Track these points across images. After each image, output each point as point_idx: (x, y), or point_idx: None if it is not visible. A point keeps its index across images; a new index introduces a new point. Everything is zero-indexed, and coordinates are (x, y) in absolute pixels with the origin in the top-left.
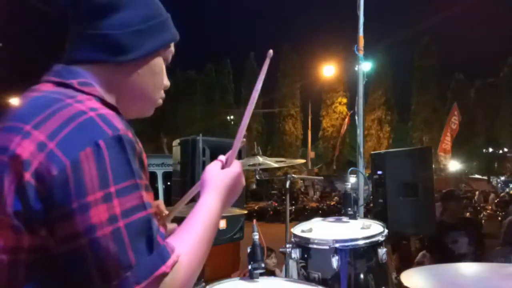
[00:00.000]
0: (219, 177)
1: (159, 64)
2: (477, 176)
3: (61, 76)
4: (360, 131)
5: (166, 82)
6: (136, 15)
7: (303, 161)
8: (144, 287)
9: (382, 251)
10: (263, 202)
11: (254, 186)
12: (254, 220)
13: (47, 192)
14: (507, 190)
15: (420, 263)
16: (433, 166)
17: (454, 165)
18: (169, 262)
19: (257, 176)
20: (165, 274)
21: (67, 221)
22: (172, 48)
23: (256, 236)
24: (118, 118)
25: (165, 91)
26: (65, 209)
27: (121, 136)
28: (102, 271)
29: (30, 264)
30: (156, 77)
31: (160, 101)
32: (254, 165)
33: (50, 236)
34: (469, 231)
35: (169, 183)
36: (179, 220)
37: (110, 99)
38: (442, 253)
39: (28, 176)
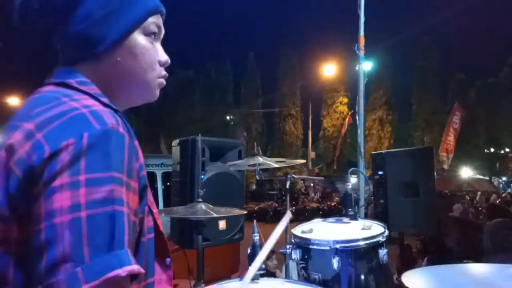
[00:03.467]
0: None
1: (140, 43)
2: (478, 176)
3: (61, 77)
4: (360, 131)
5: (162, 57)
6: (95, 3)
7: (303, 161)
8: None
9: (383, 252)
10: (263, 203)
11: (254, 187)
12: (255, 221)
13: (23, 178)
14: (509, 190)
15: None
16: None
17: (456, 166)
18: (128, 267)
19: (257, 177)
20: (119, 279)
21: (34, 206)
22: (153, 19)
23: (256, 237)
24: (111, 114)
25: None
26: (35, 193)
27: (109, 130)
28: (51, 261)
29: (18, 256)
30: (140, 58)
31: (161, 80)
32: (254, 165)
33: (18, 224)
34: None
35: (168, 184)
36: (178, 220)
37: (108, 93)
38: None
39: (12, 164)
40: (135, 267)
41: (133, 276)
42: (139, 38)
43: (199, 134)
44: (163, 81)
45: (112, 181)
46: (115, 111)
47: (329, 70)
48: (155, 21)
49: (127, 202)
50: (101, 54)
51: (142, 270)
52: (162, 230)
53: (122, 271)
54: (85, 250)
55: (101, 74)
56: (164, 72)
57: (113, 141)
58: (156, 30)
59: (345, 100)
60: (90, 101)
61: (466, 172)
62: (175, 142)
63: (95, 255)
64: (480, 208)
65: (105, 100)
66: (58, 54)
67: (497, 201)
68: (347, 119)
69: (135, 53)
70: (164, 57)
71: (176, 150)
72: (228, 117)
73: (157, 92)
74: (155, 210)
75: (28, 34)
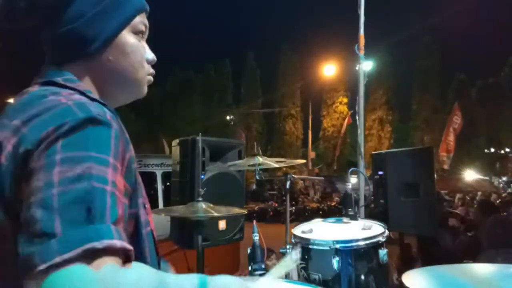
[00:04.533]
0: None
1: (129, 42)
2: (478, 176)
3: (48, 76)
4: (361, 131)
5: (149, 55)
6: (85, 2)
7: (303, 161)
8: (68, 260)
9: (383, 252)
10: (263, 203)
11: (254, 187)
12: (254, 221)
13: (14, 171)
14: (509, 190)
15: None
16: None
17: (456, 166)
18: (108, 241)
19: (257, 177)
20: (97, 252)
21: (17, 192)
22: (140, 18)
23: (256, 237)
24: (98, 106)
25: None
26: (18, 181)
27: (92, 116)
28: (26, 237)
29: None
30: (130, 56)
31: (150, 78)
32: (254, 165)
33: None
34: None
35: (168, 184)
36: (178, 220)
37: (99, 92)
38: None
39: (3, 159)
40: (117, 242)
41: (128, 258)
42: (128, 37)
43: (199, 134)
44: (151, 78)
45: (89, 159)
46: (103, 105)
47: (329, 70)
48: (142, 20)
49: (113, 182)
50: (93, 53)
51: (128, 247)
52: (153, 227)
53: (99, 244)
54: (57, 224)
55: (92, 73)
56: (151, 70)
57: (97, 125)
58: (143, 28)
59: (345, 100)
60: (77, 96)
61: (466, 173)
62: (175, 142)
63: (70, 228)
64: None
65: (92, 95)
66: (45, 54)
67: (497, 201)
68: (346, 119)
69: (125, 51)
70: (151, 55)
71: (176, 150)
72: (228, 117)
73: (146, 89)
74: (148, 205)
75: (14, 33)
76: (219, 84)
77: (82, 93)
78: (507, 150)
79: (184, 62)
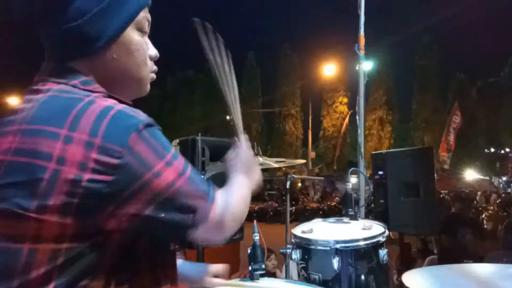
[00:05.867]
0: (233, 161)
1: (133, 39)
2: (479, 176)
3: (60, 76)
4: (361, 131)
5: (152, 52)
6: None
7: (303, 161)
8: (215, 208)
9: (383, 252)
10: (263, 203)
11: None
12: (255, 221)
13: (113, 179)
14: (509, 190)
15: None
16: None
17: (456, 165)
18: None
19: None
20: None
21: (145, 191)
22: (144, 13)
23: (256, 237)
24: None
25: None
26: (139, 182)
27: (150, 120)
28: (189, 209)
29: (70, 250)
30: (135, 54)
31: (153, 75)
32: None
33: (109, 217)
34: None
35: None
36: None
37: (107, 90)
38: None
39: (88, 175)
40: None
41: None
42: (133, 34)
43: (199, 134)
44: (153, 75)
45: (177, 155)
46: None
47: (329, 70)
48: (145, 15)
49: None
50: (97, 51)
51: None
52: None
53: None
54: (204, 189)
55: (96, 72)
56: (154, 67)
57: (157, 128)
58: (146, 24)
59: (345, 100)
60: (110, 100)
61: (466, 173)
62: (174, 142)
63: (210, 191)
64: (480, 208)
65: (116, 97)
66: (46, 50)
67: (498, 201)
68: (346, 119)
69: (130, 49)
70: (154, 51)
71: (176, 150)
72: (228, 117)
73: (149, 87)
74: None
75: (11, 29)
76: (219, 84)
77: (106, 94)
78: (507, 150)
79: (184, 62)
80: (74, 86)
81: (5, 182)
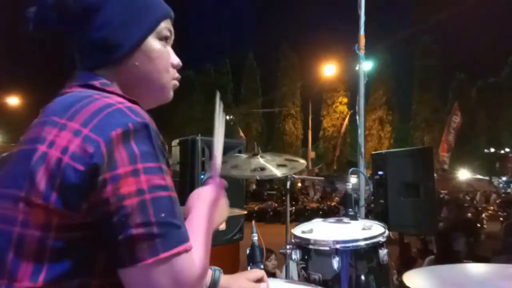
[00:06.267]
0: (198, 193)
1: (155, 48)
2: (478, 176)
3: (83, 80)
4: (361, 131)
5: (174, 60)
6: (114, 9)
7: (303, 162)
8: (170, 256)
9: (383, 252)
10: (263, 203)
11: (254, 187)
12: (253, 221)
13: (85, 169)
14: (509, 190)
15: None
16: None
17: (456, 166)
18: (190, 244)
19: (257, 177)
20: (186, 253)
21: (100, 190)
22: (165, 24)
23: (255, 237)
24: (142, 110)
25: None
26: (100, 179)
27: (148, 123)
28: (128, 239)
29: (58, 240)
30: (156, 62)
31: (175, 82)
32: (255, 169)
33: (89, 210)
34: None
35: None
36: None
37: (130, 96)
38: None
39: (67, 159)
40: (192, 245)
41: None
42: (154, 42)
43: (199, 134)
44: (176, 82)
45: (160, 170)
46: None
47: (329, 70)
48: (167, 26)
49: (172, 188)
50: (120, 59)
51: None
52: None
53: (188, 246)
54: (155, 226)
55: (120, 79)
56: (177, 74)
57: (153, 135)
58: (168, 34)
59: (345, 100)
60: (120, 99)
61: (466, 173)
62: (174, 142)
63: (166, 231)
64: (480, 208)
65: (130, 98)
66: (74, 59)
67: (497, 201)
68: (346, 119)
69: (151, 57)
70: (176, 59)
71: (176, 150)
72: (228, 117)
73: (172, 94)
74: None
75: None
76: (219, 84)
77: (120, 95)
78: (507, 150)
79: (184, 62)
80: (93, 87)
81: (14, 168)
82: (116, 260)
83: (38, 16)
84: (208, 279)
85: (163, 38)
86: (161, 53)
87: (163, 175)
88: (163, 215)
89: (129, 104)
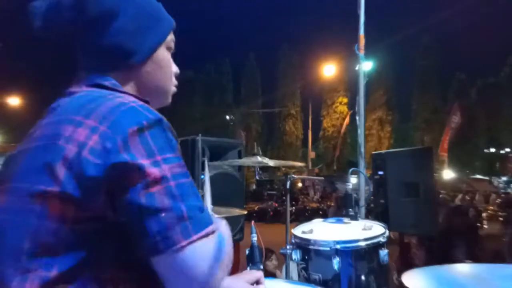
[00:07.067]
0: None
1: (165, 56)
2: (478, 176)
3: (94, 80)
4: (361, 131)
5: (175, 69)
6: (129, 15)
7: (302, 164)
8: (201, 237)
9: (383, 253)
10: (263, 203)
11: (254, 187)
12: (252, 222)
13: (103, 163)
14: (509, 190)
15: None
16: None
17: (456, 165)
18: (213, 226)
19: (257, 177)
20: (212, 233)
21: (121, 183)
22: (171, 36)
23: (254, 238)
24: (154, 109)
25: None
26: (120, 173)
27: (161, 118)
28: (160, 225)
29: (73, 233)
30: (164, 70)
31: (174, 89)
32: (253, 163)
33: (107, 203)
34: None
35: None
36: None
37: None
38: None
39: (85, 153)
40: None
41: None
42: (163, 52)
43: (199, 134)
44: (175, 88)
45: (178, 159)
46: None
47: (329, 70)
48: (172, 37)
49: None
50: (134, 65)
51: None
52: None
53: (214, 227)
54: (184, 210)
55: (130, 82)
56: (176, 82)
57: (167, 130)
58: (172, 45)
59: (345, 100)
60: (133, 98)
61: (465, 173)
62: None
63: (194, 213)
64: (479, 209)
65: (141, 98)
66: (78, 60)
67: (497, 201)
68: (346, 120)
69: (161, 65)
70: (176, 68)
71: None
72: (228, 117)
73: (170, 98)
74: None
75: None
76: (219, 84)
77: (133, 95)
78: (507, 150)
79: (184, 62)
80: (104, 87)
81: (29, 164)
82: (147, 249)
83: (50, 13)
84: None
85: (169, 48)
86: (169, 62)
87: (181, 163)
88: (189, 199)
89: (142, 103)
